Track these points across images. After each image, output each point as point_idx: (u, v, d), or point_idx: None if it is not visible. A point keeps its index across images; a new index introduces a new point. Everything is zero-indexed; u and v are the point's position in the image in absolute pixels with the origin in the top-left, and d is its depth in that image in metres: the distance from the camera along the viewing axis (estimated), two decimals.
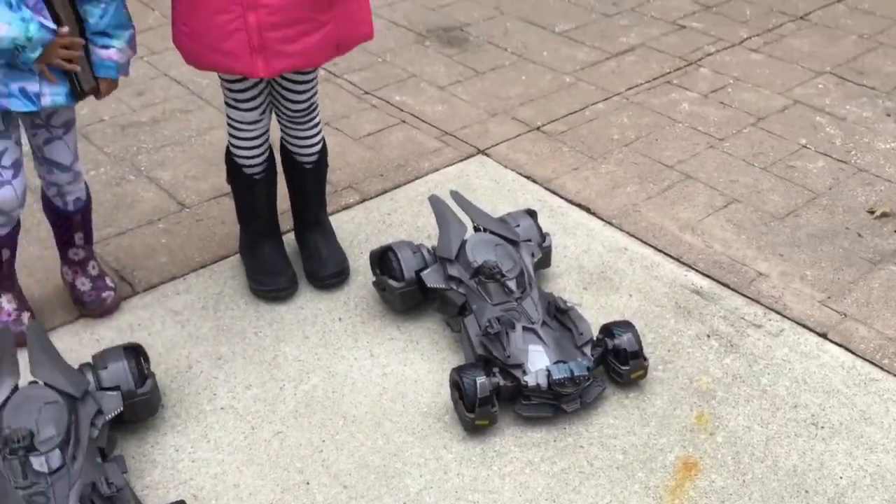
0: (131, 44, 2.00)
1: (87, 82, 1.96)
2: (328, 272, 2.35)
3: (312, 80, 2.18)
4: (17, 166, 2.00)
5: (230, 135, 2.25)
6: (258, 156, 2.26)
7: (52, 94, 1.90)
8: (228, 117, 2.22)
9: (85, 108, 3.12)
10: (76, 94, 1.96)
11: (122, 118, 3.11)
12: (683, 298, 2.33)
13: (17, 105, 1.88)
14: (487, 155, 2.95)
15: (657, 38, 3.69)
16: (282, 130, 2.29)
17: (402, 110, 3.20)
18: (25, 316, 2.17)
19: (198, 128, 3.07)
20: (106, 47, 1.95)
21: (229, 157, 2.29)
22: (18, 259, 2.22)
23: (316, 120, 2.28)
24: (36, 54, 1.79)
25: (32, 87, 1.87)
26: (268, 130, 2.26)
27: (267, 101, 2.20)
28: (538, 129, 3.09)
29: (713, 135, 3.05)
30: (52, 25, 1.81)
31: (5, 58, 1.79)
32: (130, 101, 3.20)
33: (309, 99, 2.21)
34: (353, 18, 2.05)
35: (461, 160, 2.92)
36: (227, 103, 2.20)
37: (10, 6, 1.75)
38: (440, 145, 3.00)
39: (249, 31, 1.91)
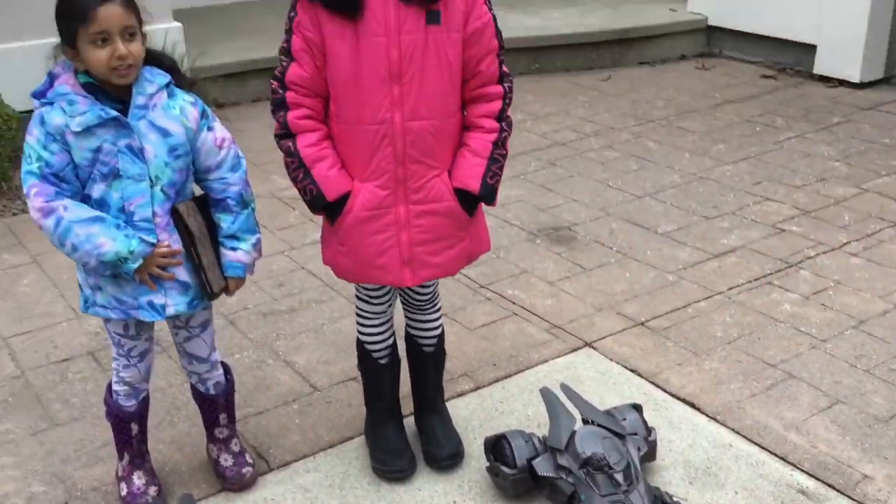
0: (257, 247, 2.29)
1: (216, 283, 2.23)
2: (444, 454, 2.54)
3: None
4: (143, 355, 2.33)
5: (359, 324, 2.53)
6: (384, 341, 2.53)
7: (175, 305, 2.19)
8: (359, 308, 2.51)
9: (232, 298, 3.50)
10: (208, 296, 2.23)
11: (264, 307, 3.46)
12: (790, 498, 2.39)
13: (145, 315, 2.18)
14: (594, 348, 3.14)
15: (757, 240, 3.89)
16: (406, 317, 2.57)
17: (514, 303, 3.45)
18: (153, 490, 2.40)
19: (330, 316, 3.39)
20: (234, 249, 2.24)
21: (359, 344, 2.56)
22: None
23: (437, 306, 2.56)
24: (136, 265, 2.06)
25: (159, 299, 2.18)
26: (391, 319, 2.54)
27: (394, 296, 2.49)
28: (643, 324, 3.28)
29: (815, 336, 3.17)
30: (152, 240, 2.09)
31: (109, 269, 2.08)
32: (272, 292, 3.56)
33: (432, 290, 2.51)
34: (479, 234, 2.39)
35: (569, 352, 3.11)
36: (358, 297, 2.49)
37: (119, 226, 2.07)
38: (549, 338, 3.21)
39: (401, 247, 2.22)
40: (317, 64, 2.14)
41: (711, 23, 6.78)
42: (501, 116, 2.26)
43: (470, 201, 2.27)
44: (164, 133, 2.09)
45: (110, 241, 2.04)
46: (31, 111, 4.66)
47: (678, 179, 4.57)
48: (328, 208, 2.23)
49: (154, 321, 2.24)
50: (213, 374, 2.44)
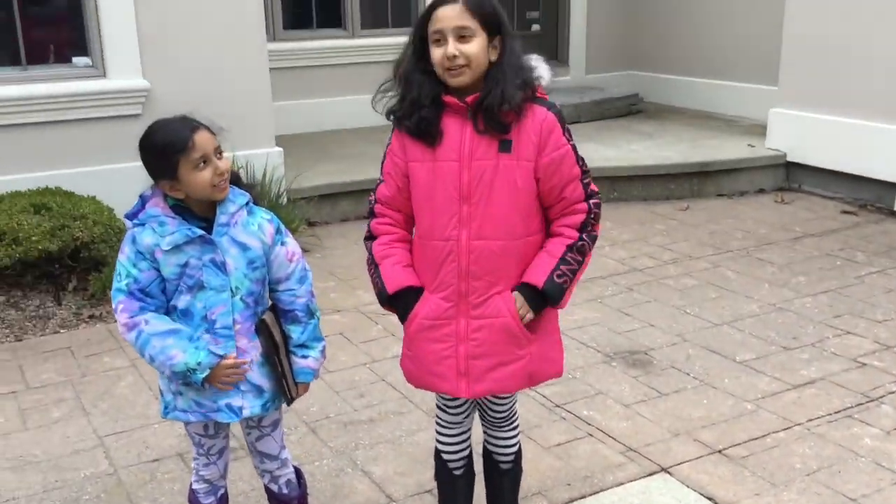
0: (324, 353, 2.45)
1: (294, 389, 2.41)
2: None
3: (512, 394, 2.55)
4: (221, 452, 2.49)
5: (437, 433, 2.62)
6: (460, 452, 2.61)
7: (251, 407, 2.35)
8: (438, 417, 2.61)
9: (315, 406, 3.64)
10: (288, 401, 2.41)
11: (345, 416, 3.58)
12: None
13: (223, 417, 2.34)
14: (670, 473, 3.14)
15: (838, 373, 3.86)
16: (484, 433, 2.64)
17: (589, 424, 3.48)
18: None
19: (408, 429, 3.47)
20: (305, 357, 2.40)
21: (437, 454, 2.64)
22: None
23: (515, 423, 2.62)
24: (203, 375, 2.23)
25: (236, 402, 2.33)
26: (469, 431, 2.61)
27: (471, 408, 2.58)
28: (720, 451, 3.26)
29: None
30: (221, 353, 2.25)
31: (181, 378, 2.25)
32: (353, 402, 3.69)
33: (509, 408, 2.57)
34: (546, 357, 2.42)
35: (644, 476, 3.12)
36: (438, 406, 2.59)
37: (192, 338, 2.24)
38: (624, 460, 3.22)
39: (458, 358, 2.33)
40: (398, 185, 2.36)
41: (790, 159, 6.88)
42: (583, 228, 2.33)
43: (535, 300, 2.32)
44: (244, 248, 2.28)
45: (181, 353, 2.22)
46: None
47: (757, 309, 4.59)
48: (391, 301, 2.39)
49: (213, 422, 2.39)
50: (283, 471, 2.56)
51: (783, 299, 4.71)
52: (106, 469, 3.24)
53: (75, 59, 5.33)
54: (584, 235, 2.33)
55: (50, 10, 5.47)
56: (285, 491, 2.57)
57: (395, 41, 8.19)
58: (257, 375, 2.35)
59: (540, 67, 2.31)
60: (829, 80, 6.51)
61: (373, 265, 2.40)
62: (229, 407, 2.33)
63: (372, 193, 2.44)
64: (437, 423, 2.61)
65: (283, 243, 2.36)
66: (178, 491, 3.09)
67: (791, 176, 6.95)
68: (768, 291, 4.82)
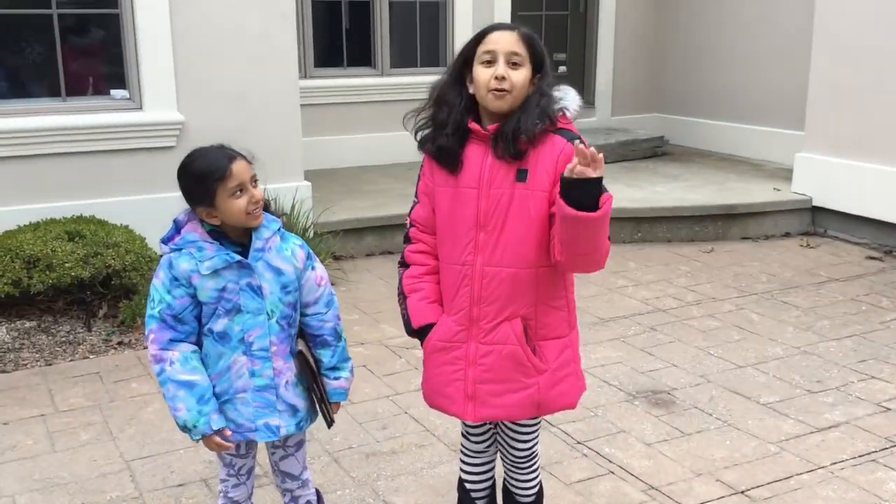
0: (353, 372, 2.54)
1: (331, 411, 2.49)
2: None
3: (533, 431, 2.54)
4: (250, 472, 2.54)
5: (462, 461, 2.65)
6: (482, 482, 2.64)
7: (287, 426, 2.41)
8: (462, 445, 2.64)
9: (339, 436, 3.67)
10: (329, 423, 2.49)
11: (367, 447, 3.60)
12: None
13: (262, 437, 2.40)
14: None
15: (862, 417, 3.83)
16: (505, 472, 2.65)
17: (610, 462, 3.48)
18: None
19: (430, 461, 3.49)
20: (337, 378, 2.49)
21: (460, 483, 2.67)
22: None
23: (535, 466, 2.62)
24: (196, 438, 2.32)
25: (274, 421, 2.39)
26: (493, 462, 2.63)
27: (493, 438, 2.60)
28: (742, 492, 3.25)
29: None
30: (216, 426, 2.30)
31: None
32: (375, 434, 3.71)
33: (530, 449, 2.57)
34: (557, 388, 2.40)
35: None
36: (462, 433, 2.63)
37: (200, 399, 2.29)
38: (646, 498, 3.22)
39: (466, 381, 2.37)
40: (431, 207, 2.42)
41: (816, 203, 6.89)
42: None
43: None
44: (278, 272, 2.35)
45: (185, 410, 2.29)
46: None
47: (781, 352, 4.58)
48: (416, 334, 2.45)
49: (268, 441, 2.43)
50: (304, 491, 2.61)
51: (807, 343, 4.69)
52: (131, 493, 3.29)
53: (113, 92, 5.48)
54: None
55: (90, 43, 5.64)
56: None
57: (423, 80, 8.29)
58: (292, 395, 2.41)
59: (567, 97, 2.34)
60: (856, 125, 6.54)
61: (401, 296, 2.46)
62: (267, 426, 2.38)
63: (408, 216, 2.51)
64: (462, 452, 2.64)
65: (312, 268, 2.43)
66: None
67: (817, 220, 6.95)
68: (793, 335, 4.81)
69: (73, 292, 4.86)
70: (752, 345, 4.68)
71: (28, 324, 4.83)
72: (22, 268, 4.64)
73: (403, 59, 8.43)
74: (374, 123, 8.24)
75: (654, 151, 8.76)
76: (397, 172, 7.94)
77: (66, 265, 4.64)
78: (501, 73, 2.23)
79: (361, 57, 8.28)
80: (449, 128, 2.30)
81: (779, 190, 7.14)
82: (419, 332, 2.43)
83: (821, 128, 6.84)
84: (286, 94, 5.85)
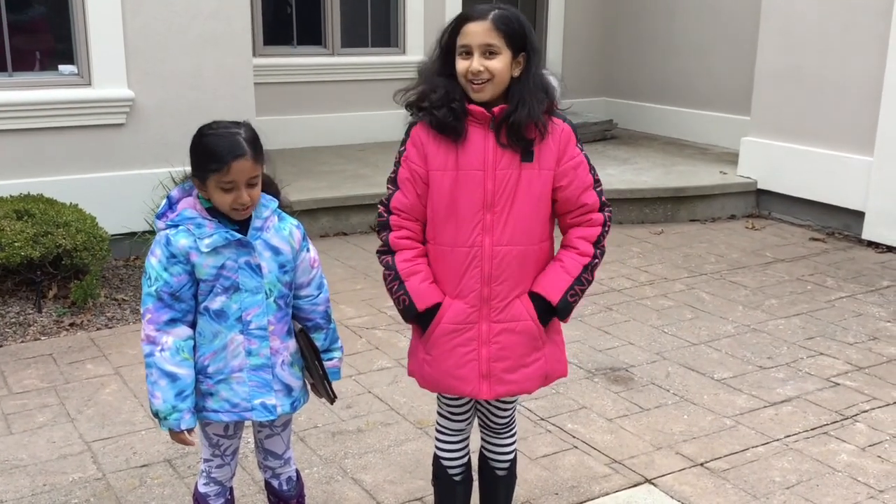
0: (343, 351, 2.61)
1: (330, 392, 2.49)
2: None
3: (515, 400, 2.61)
4: (234, 453, 2.53)
5: (438, 440, 2.66)
6: (460, 458, 2.66)
7: (282, 406, 2.39)
8: (439, 425, 2.65)
9: (303, 416, 3.66)
10: (331, 400, 2.50)
11: (332, 426, 3.60)
12: None
13: (259, 416, 2.36)
14: (654, 484, 3.21)
15: (812, 392, 3.97)
16: (483, 439, 2.69)
17: (574, 437, 3.55)
18: None
19: (396, 439, 3.51)
20: (331, 359, 2.52)
21: (436, 460, 2.68)
22: None
23: (514, 431, 2.67)
24: (163, 428, 2.30)
25: (270, 401, 2.37)
26: (468, 437, 2.66)
27: (472, 415, 2.63)
28: (702, 465, 3.35)
29: (873, 486, 3.21)
30: (185, 426, 2.27)
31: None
32: (340, 413, 3.71)
33: (510, 415, 2.63)
34: (557, 358, 2.51)
35: (630, 487, 3.19)
36: (440, 413, 2.63)
37: (179, 394, 2.26)
38: (609, 472, 3.29)
39: (480, 361, 2.39)
40: (418, 192, 2.39)
41: (761, 186, 7.07)
42: (598, 243, 2.41)
43: (545, 312, 2.41)
44: (276, 251, 2.33)
45: (161, 401, 2.26)
46: (121, 234, 5.04)
47: (732, 330, 4.71)
48: (419, 318, 2.43)
49: (265, 420, 2.41)
50: (285, 469, 2.60)
51: (757, 321, 4.83)
52: (94, 474, 3.23)
53: (61, 67, 5.33)
54: (597, 251, 2.42)
55: (37, 17, 5.47)
56: (285, 487, 2.60)
57: (374, 60, 8.31)
58: (287, 375, 2.39)
59: (553, 82, 2.39)
60: (800, 110, 6.72)
61: (396, 281, 2.41)
62: (264, 406, 2.36)
63: (381, 205, 2.45)
64: (439, 431, 2.65)
65: (307, 249, 2.42)
66: (169, 496, 3.09)
67: (761, 203, 7.13)
68: (742, 313, 4.95)
69: (23, 272, 4.73)
70: (704, 323, 4.80)
71: None
72: None
73: (354, 38, 8.37)
74: (325, 103, 8.19)
75: (603, 135, 8.88)
76: (349, 153, 7.90)
77: (16, 244, 4.52)
78: (476, 68, 2.26)
79: (312, 36, 8.19)
80: (455, 95, 2.30)
81: (725, 173, 7.30)
82: (422, 314, 2.41)
83: (766, 112, 7.02)
84: (240, 72, 5.76)
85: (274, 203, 2.37)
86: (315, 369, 2.42)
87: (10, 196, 4.97)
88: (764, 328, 4.73)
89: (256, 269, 2.30)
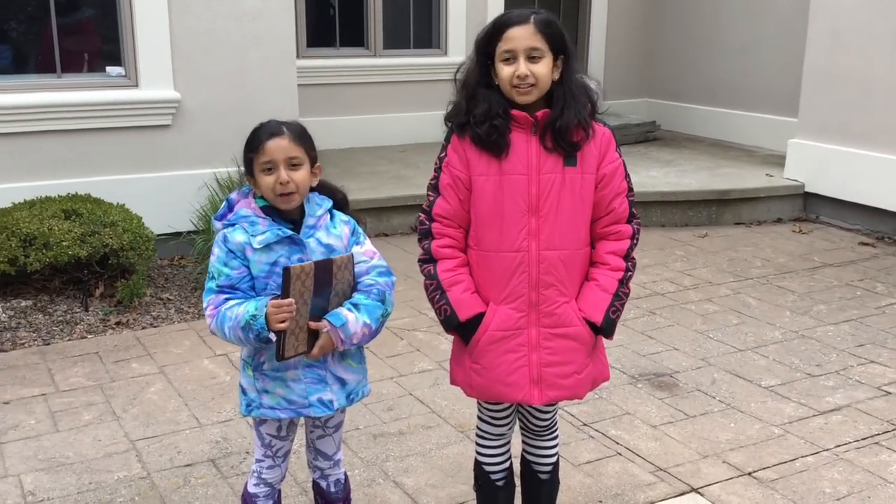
0: (364, 333, 2.28)
1: (291, 348, 2.21)
2: None
3: (557, 403, 2.58)
4: (286, 455, 2.52)
5: (479, 444, 2.64)
6: (502, 463, 2.63)
7: (338, 399, 2.39)
8: (479, 430, 2.62)
9: (347, 418, 3.65)
10: (278, 356, 2.21)
11: (374, 428, 3.60)
12: None
13: (317, 412, 2.37)
14: (700, 494, 3.15)
15: (863, 400, 3.88)
16: (524, 443, 2.66)
17: (617, 443, 3.50)
18: None
19: (437, 442, 3.49)
20: (350, 311, 2.27)
21: (477, 465, 2.66)
22: None
23: (556, 433, 2.65)
24: (262, 316, 2.16)
25: (327, 395, 2.37)
26: (510, 442, 2.64)
27: (514, 419, 2.61)
28: (749, 474, 3.28)
29: None
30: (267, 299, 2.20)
31: (253, 335, 2.19)
32: (381, 415, 3.71)
33: (552, 418, 2.61)
34: (601, 362, 2.51)
35: (675, 496, 3.13)
36: (481, 418, 2.61)
37: (256, 303, 2.21)
38: (654, 479, 3.24)
39: (531, 367, 2.37)
40: (460, 198, 2.37)
41: (808, 189, 6.93)
42: (628, 255, 2.42)
43: (591, 332, 2.42)
44: (330, 249, 2.33)
45: (243, 309, 2.23)
46: (166, 235, 5.12)
47: (780, 336, 4.61)
48: (460, 328, 2.40)
49: (320, 416, 2.41)
50: (335, 471, 2.61)
51: (805, 327, 4.73)
52: (139, 472, 3.26)
53: (109, 69, 5.40)
54: (629, 264, 2.42)
55: (85, 19, 5.55)
56: (333, 489, 2.61)
57: (416, 61, 8.31)
58: (340, 368, 2.39)
59: (592, 86, 2.37)
60: (849, 112, 6.58)
61: (438, 290, 2.38)
62: (320, 401, 2.36)
63: (423, 212, 2.43)
64: (480, 436, 2.63)
65: (358, 243, 2.40)
66: (212, 496, 3.11)
67: (809, 206, 7.00)
68: (790, 319, 4.85)
69: (70, 271, 4.80)
70: (750, 328, 4.71)
71: (24, 303, 4.77)
72: (18, 246, 4.57)
73: (396, 40, 8.38)
74: (367, 105, 8.21)
75: (645, 136, 8.78)
76: (389, 154, 7.91)
77: (64, 244, 4.58)
78: (523, 72, 2.25)
79: (354, 37, 8.22)
80: (497, 109, 2.28)
81: (771, 176, 7.18)
82: (464, 325, 2.38)
83: (814, 114, 6.88)
84: (284, 73, 5.79)
85: (328, 202, 2.38)
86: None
87: (59, 196, 5.04)
88: (812, 334, 4.63)
89: None
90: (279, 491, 2.58)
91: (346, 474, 2.66)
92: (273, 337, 2.20)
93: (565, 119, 2.26)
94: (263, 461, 2.50)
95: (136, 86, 5.38)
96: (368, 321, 2.31)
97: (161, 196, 5.39)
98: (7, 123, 5.07)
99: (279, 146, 2.24)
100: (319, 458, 2.58)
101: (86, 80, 5.35)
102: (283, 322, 2.17)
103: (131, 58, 5.35)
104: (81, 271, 4.78)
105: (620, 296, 2.40)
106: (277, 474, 2.53)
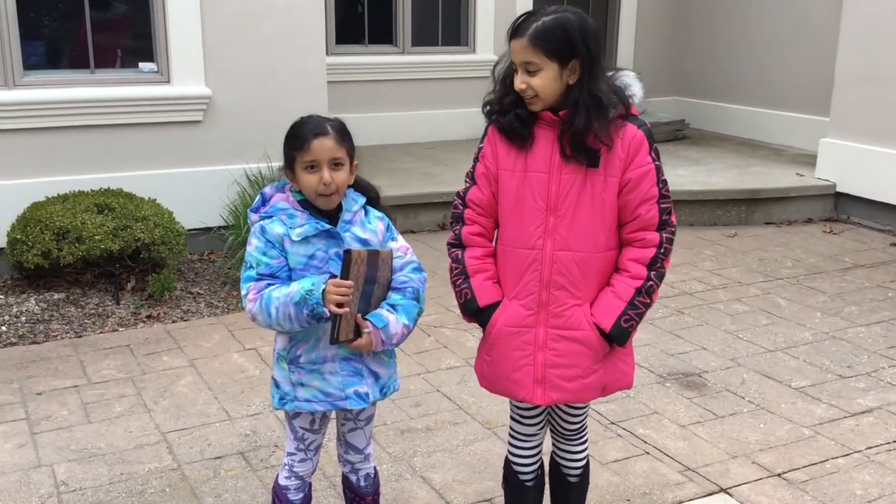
0: (405, 328, 2.33)
1: (344, 333, 2.25)
2: None
3: (586, 406, 2.58)
4: (317, 449, 2.54)
5: (510, 444, 2.63)
6: (532, 463, 2.62)
7: (373, 393, 2.41)
8: (511, 429, 2.62)
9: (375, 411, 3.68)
10: (332, 338, 2.24)
11: (401, 424, 3.61)
12: None
13: (353, 404, 2.38)
14: (729, 494, 3.13)
15: (895, 402, 3.83)
16: (553, 445, 2.66)
17: (645, 442, 3.49)
18: None
19: (465, 439, 3.50)
20: (391, 313, 2.31)
21: (507, 463, 2.66)
22: None
23: (584, 437, 2.64)
24: (319, 291, 2.17)
25: (363, 388, 2.39)
26: (542, 443, 2.63)
27: (545, 419, 2.60)
28: (779, 475, 3.26)
29: None
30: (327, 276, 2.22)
31: (307, 312, 2.19)
32: (409, 411, 3.72)
33: (581, 422, 2.59)
34: (619, 369, 2.44)
35: (704, 496, 3.12)
36: (512, 417, 2.61)
37: (308, 287, 2.21)
38: (683, 479, 3.23)
39: (536, 366, 2.36)
40: (492, 190, 2.39)
41: (839, 189, 6.86)
42: (652, 265, 2.33)
43: (602, 338, 2.37)
44: (365, 244, 2.35)
45: (297, 286, 2.25)
46: (197, 229, 5.16)
47: (810, 337, 4.57)
48: (478, 313, 2.42)
49: (357, 408, 2.42)
50: (364, 465, 2.62)
51: (836, 328, 4.69)
52: (169, 464, 3.30)
53: (141, 65, 5.45)
54: (652, 274, 2.32)
55: (118, 16, 5.60)
56: (362, 483, 2.63)
57: (444, 59, 8.31)
58: (374, 363, 2.41)
59: (633, 85, 2.34)
60: (882, 111, 6.50)
61: (462, 275, 2.41)
62: (357, 394, 2.38)
63: (459, 197, 2.46)
64: (511, 435, 2.63)
65: (393, 238, 2.43)
66: (242, 488, 3.14)
67: (840, 206, 6.92)
68: (821, 320, 4.81)
69: (102, 265, 4.86)
70: (780, 329, 4.67)
71: (57, 295, 4.84)
72: (52, 239, 4.64)
73: (424, 37, 8.38)
74: (395, 102, 8.22)
75: (674, 135, 8.73)
76: (418, 151, 7.93)
77: (96, 237, 4.64)
78: (519, 86, 2.25)
79: (383, 35, 8.24)
80: (520, 104, 2.29)
81: (802, 175, 7.11)
82: (481, 312, 2.40)
83: (846, 113, 6.80)
84: (313, 70, 5.81)
85: (362, 199, 2.40)
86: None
87: (92, 190, 5.11)
88: (843, 336, 4.59)
89: None
90: (310, 484, 2.60)
91: (375, 469, 2.68)
92: (328, 314, 2.20)
93: (576, 125, 2.22)
94: (295, 454, 2.52)
95: (168, 82, 5.42)
96: (407, 322, 2.35)
97: (192, 191, 5.44)
98: (41, 118, 5.13)
99: (324, 146, 2.25)
100: (350, 451, 2.59)
101: (119, 75, 5.40)
102: (340, 302, 2.19)
103: (163, 54, 5.40)
104: (113, 265, 4.84)
105: (637, 305, 2.32)
106: (309, 467, 2.55)
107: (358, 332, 2.30)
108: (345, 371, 2.37)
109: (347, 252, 2.21)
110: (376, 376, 2.42)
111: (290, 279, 2.32)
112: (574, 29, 2.22)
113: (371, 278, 2.29)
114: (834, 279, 5.50)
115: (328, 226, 2.31)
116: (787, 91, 8.41)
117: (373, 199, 2.45)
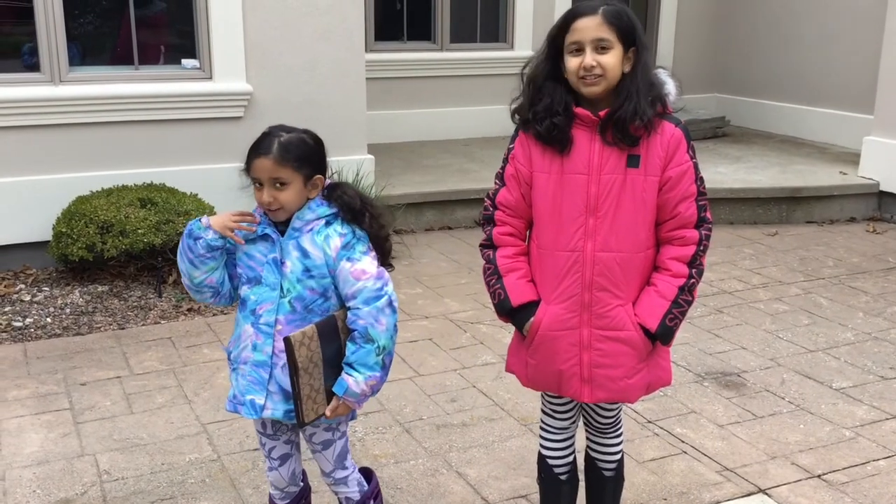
0: (370, 384, 2.28)
1: (310, 413, 2.24)
2: None
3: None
4: (284, 458, 2.49)
5: (542, 437, 2.64)
6: (565, 457, 2.62)
7: (273, 409, 2.32)
8: (543, 423, 2.62)
9: (408, 407, 3.70)
10: (299, 423, 2.26)
11: (437, 419, 3.63)
12: None
13: (246, 412, 2.35)
14: (768, 495, 3.10)
15: None
16: (588, 439, 2.66)
17: (683, 442, 3.47)
18: None
19: (500, 435, 3.51)
20: (349, 374, 2.27)
21: (541, 458, 2.66)
22: None
23: (620, 431, 2.63)
24: (205, 220, 2.29)
25: (259, 400, 2.33)
26: (574, 436, 2.63)
27: (578, 414, 2.60)
28: (819, 476, 3.22)
29: None
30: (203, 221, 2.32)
31: (203, 248, 2.28)
32: (445, 406, 3.73)
33: (616, 415, 2.59)
34: (660, 367, 2.45)
35: (743, 496, 3.09)
36: (544, 411, 2.61)
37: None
38: (721, 479, 3.20)
39: (582, 366, 2.36)
40: (522, 191, 2.39)
41: (883, 188, 6.74)
42: (693, 262, 2.33)
43: (646, 337, 2.37)
44: (305, 254, 2.29)
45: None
46: None
47: (852, 337, 4.51)
48: (512, 313, 2.42)
49: (269, 419, 2.41)
50: (339, 488, 2.55)
51: (879, 329, 4.61)
52: (209, 455, 3.35)
53: (184, 62, 5.53)
54: (693, 271, 2.33)
55: (161, 13, 5.69)
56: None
57: (482, 56, 8.31)
58: (288, 381, 2.27)
59: (668, 83, 2.33)
60: None
61: (495, 275, 2.41)
62: (252, 403, 2.34)
63: (488, 198, 2.46)
64: (543, 429, 2.63)
65: (349, 259, 2.28)
66: None
67: (884, 205, 6.81)
68: (863, 320, 4.74)
69: (145, 258, 4.94)
70: (821, 329, 4.61)
71: (101, 288, 4.93)
72: (96, 233, 4.73)
73: (463, 34, 8.39)
74: (433, 98, 8.24)
75: (714, 132, 8.64)
76: (455, 148, 7.93)
77: (139, 231, 4.72)
78: (589, 63, 2.22)
79: (421, 32, 8.25)
80: (558, 106, 2.28)
81: (845, 174, 7.00)
82: (515, 312, 2.40)
83: (891, 111, 6.68)
84: (353, 67, 5.85)
85: (324, 210, 2.31)
86: (294, 385, 2.22)
87: (135, 185, 5.19)
88: (886, 337, 4.51)
89: (279, 267, 2.30)
90: (296, 492, 2.57)
91: (360, 484, 2.59)
92: (210, 233, 2.28)
93: (625, 110, 2.22)
94: (265, 461, 2.52)
95: (210, 78, 5.49)
96: (370, 374, 2.28)
97: (232, 187, 5.47)
98: (86, 114, 5.23)
99: (263, 166, 2.24)
100: (321, 472, 2.55)
101: (162, 72, 5.49)
102: (232, 228, 2.29)
103: (206, 51, 5.47)
104: (156, 258, 4.92)
105: (680, 303, 2.32)
106: (277, 478, 2.51)
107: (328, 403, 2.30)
108: (250, 377, 2.35)
109: (286, 339, 2.17)
110: (287, 395, 2.30)
111: (231, 256, 2.39)
112: (634, 18, 2.28)
113: (333, 351, 2.28)
114: (877, 279, 5.41)
115: (264, 231, 2.32)
116: (831, 88, 8.28)
117: (347, 215, 2.33)
